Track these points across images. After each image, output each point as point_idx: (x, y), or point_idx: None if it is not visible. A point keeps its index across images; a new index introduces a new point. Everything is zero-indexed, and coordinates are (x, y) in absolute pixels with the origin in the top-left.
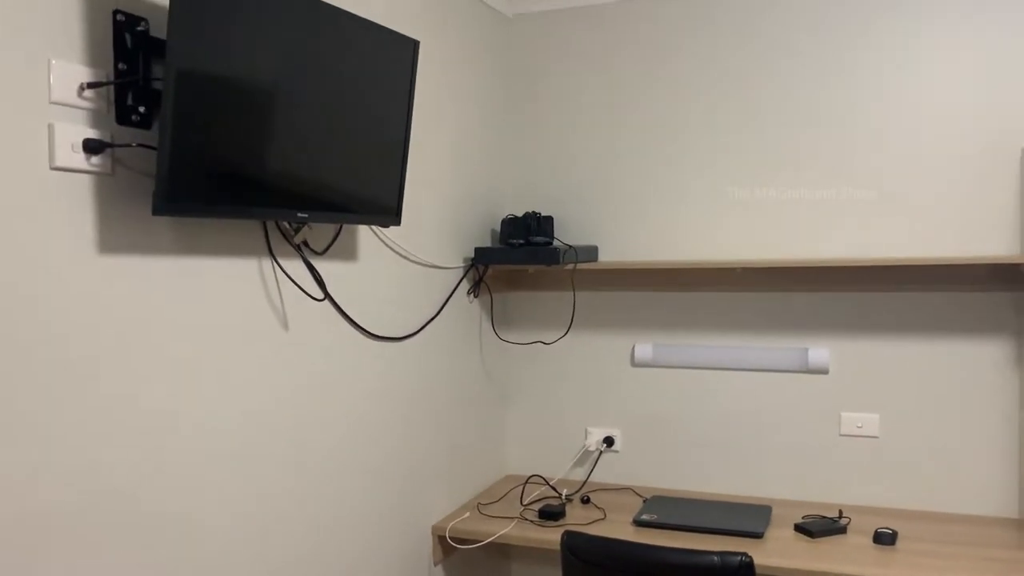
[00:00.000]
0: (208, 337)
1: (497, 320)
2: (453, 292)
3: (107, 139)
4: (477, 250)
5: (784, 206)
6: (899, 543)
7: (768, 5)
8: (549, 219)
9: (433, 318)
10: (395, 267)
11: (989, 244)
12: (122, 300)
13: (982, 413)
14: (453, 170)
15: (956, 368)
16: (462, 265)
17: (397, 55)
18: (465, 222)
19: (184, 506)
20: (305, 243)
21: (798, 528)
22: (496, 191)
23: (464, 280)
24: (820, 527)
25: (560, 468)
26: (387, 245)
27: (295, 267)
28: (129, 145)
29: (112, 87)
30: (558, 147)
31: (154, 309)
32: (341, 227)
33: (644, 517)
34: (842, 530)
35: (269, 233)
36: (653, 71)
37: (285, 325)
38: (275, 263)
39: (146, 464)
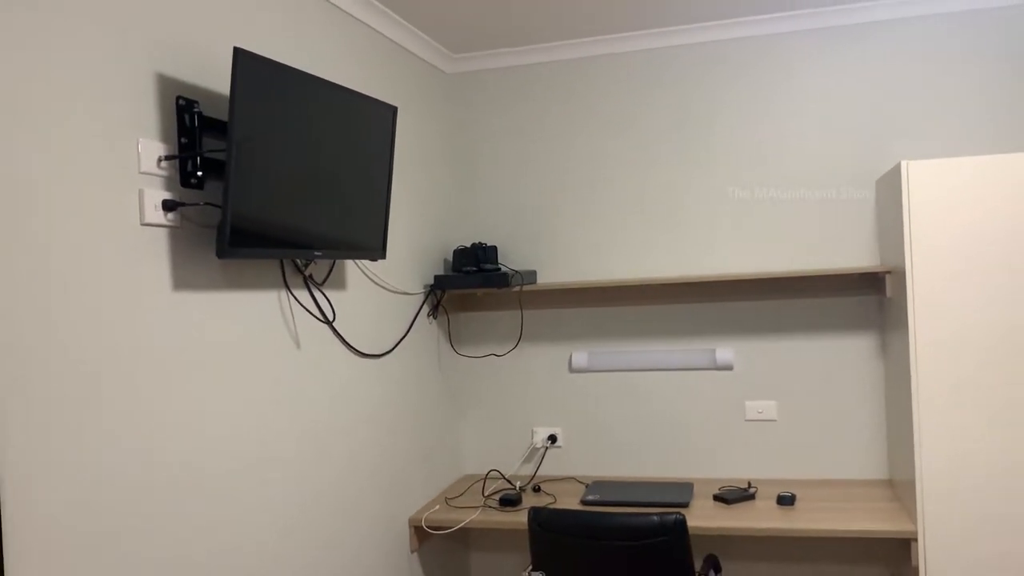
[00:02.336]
0: (244, 353)
1: (454, 337)
2: (417, 314)
3: (178, 199)
4: (437, 277)
5: (692, 233)
6: (798, 503)
7: (677, 75)
8: (494, 248)
9: (404, 337)
10: (373, 294)
11: (856, 257)
12: (188, 326)
13: (857, 396)
14: (411, 209)
15: (835, 359)
16: (423, 291)
17: (382, 121)
18: (423, 253)
19: (218, 484)
20: (311, 276)
21: (716, 498)
22: (445, 225)
23: (425, 304)
24: (734, 495)
25: (511, 465)
26: (367, 275)
27: (303, 296)
28: (197, 204)
29: (177, 157)
30: (497, 186)
31: (210, 332)
32: (334, 262)
33: (589, 498)
34: (751, 497)
35: (285, 269)
36: (578, 119)
37: (297, 344)
38: (290, 293)
39: (198, 446)
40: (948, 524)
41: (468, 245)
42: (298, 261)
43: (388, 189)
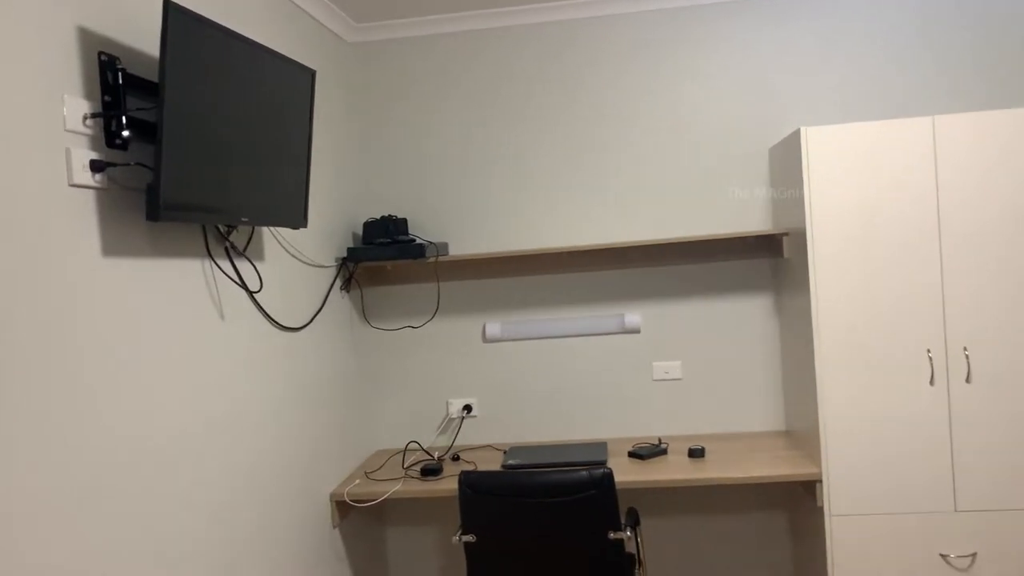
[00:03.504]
0: (170, 323)
1: (368, 311)
2: (331, 288)
3: (105, 159)
4: (350, 250)
5: (597, 202)
6: (707, 455)
7: (578, 48)
8: (404, 220)
9: (319, 310)
10: (289, 265)
11: (752, 222)
12: (119, 293)
13: (754, 353)
14: (318, 180)
15: (734, 319)
16: (335, 264)
17: (302, 84)
18: (332, 226)
19: (138, 456)
20: (233, 244)
21: (631, 454)
22: (351, 199)
23: (338, 277)
24: (648, 451)
25: (427, 437)
26: (283, 247)
27: (226, 266)
28: (128, 164)
29: (102, 115)
30: (402, 158)
31: (138, 301)
32: (253, 230)
33: (510, 462)
34: (664, 452)
35: (208, 236)
36: (481, 90)
37: (221, 315)
38: (213, 262)
39: (130, 418)
40: (848, 466)
41: (378, 217)
42: (221, 228)
43: (308, 155)
